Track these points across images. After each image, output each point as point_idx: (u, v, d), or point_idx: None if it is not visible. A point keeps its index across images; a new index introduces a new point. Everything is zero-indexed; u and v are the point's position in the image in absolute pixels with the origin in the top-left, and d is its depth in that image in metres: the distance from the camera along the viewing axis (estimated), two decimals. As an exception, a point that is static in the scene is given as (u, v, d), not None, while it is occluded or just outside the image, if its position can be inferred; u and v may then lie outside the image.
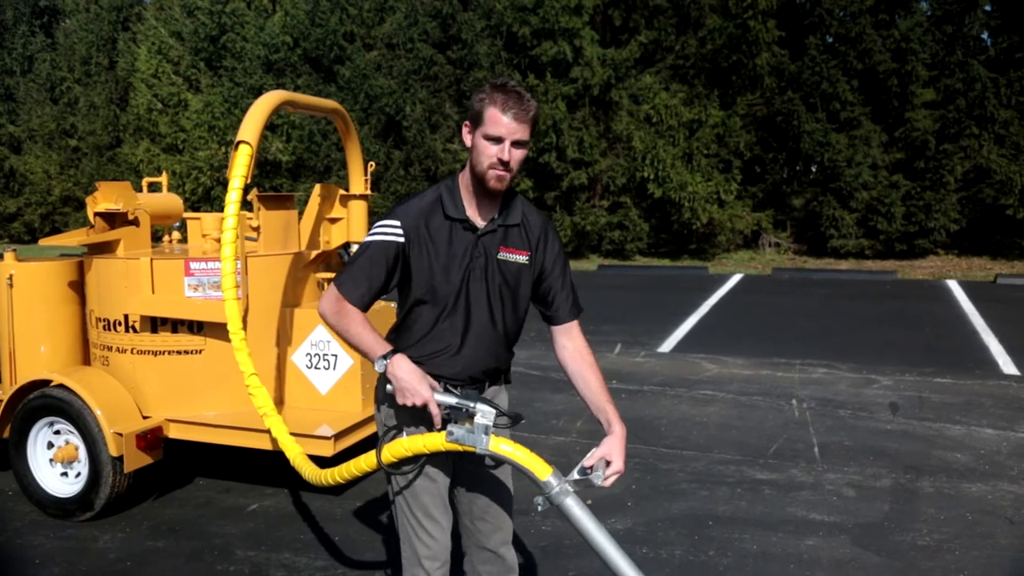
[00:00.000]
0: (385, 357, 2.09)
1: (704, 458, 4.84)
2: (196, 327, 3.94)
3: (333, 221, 4.34)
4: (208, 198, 16.78)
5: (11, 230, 21.69)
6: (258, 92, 16.60)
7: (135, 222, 4.27)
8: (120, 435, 3.76)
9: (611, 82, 13.84)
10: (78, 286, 4.41)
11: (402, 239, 2.13)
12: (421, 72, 15.74)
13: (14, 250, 4.33)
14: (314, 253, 4.23)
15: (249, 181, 2.97)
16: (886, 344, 7.74)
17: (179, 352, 3.97)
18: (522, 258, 2.22)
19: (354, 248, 4.15)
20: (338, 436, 3.74)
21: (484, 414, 2.05)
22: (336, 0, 16.29)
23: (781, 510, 4.04)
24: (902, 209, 12.60)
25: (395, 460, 2.17)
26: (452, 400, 2.08)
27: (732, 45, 13.50)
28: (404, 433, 2.21)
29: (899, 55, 12.28)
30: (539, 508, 2.03)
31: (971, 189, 12.47)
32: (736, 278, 12.03)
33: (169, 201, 4.85)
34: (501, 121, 2.04)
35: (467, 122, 2.13)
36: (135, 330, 3.97)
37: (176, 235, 5.13)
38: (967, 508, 4.02)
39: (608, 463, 2.15)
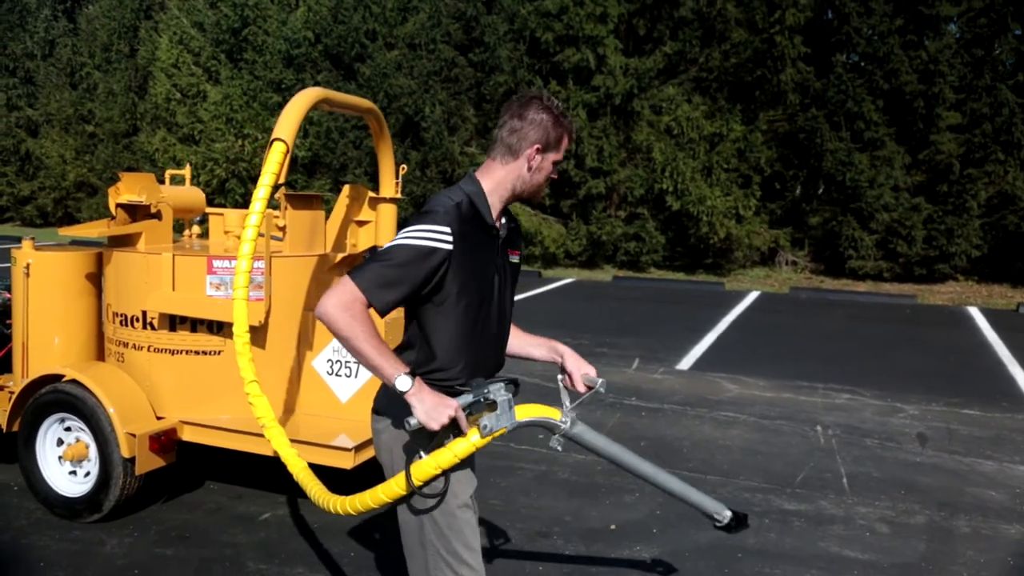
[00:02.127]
0: (410, 377, 1.97)
1: (730, 484, 4.69)
2: (216, 327, 3.82)
3: (361, 224, 4.22)
4: (223, 190, 16.69)
5: (23, 213, 21.64)
6: (278, 86, 16.54)
7: (157, 215, 4.15)
8: (133, 436, 3.64)
9: (633, 92, 13.71)
10: (95, 278, 4.29)
11: (451, 246, 2.03)
12: (442, 73, 15.64)
13: (32, 238, 4.21)
14: (340, 256, 4.10)
15: (282, 180, 2.84)
16: (909, 371, 7.58)
17: (197, 352, 3.85)
18: (517, 258, 2.31)
19: (382, 252, 4.04)
20: (358, 448, 3.60)
21: (499, 392, 2.05)
22: (360, -3, 16.19)
23: (812, 544, 3.89)
24: (923, 232, 12.43)
25: (425, 481, 2.06)
26: (471, 398, 2.03)
27: (757, 60, 13.36)
28: (422, 454, 2.09)
29: (927, 77, 12.12)
30: (559, 448, 2.24)
31: (994, 215, 12.29)
32: (753, 295, 11.87)
33: (192, 195, 4.73)
34: (565, 148, 2.18)
35: (538, 145, 2.10)
36: (153, 327, 3.84)
37: (196, 229, 5.01)
38: (1007, 551, 3.87)
39: (586, 373, 2.32)
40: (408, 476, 2.06)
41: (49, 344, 4.14)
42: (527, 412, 2.17)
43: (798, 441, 5.50)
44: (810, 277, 13.60)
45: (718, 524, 2.87)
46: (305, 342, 3.99)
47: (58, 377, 3.89)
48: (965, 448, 5.42)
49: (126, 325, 3.92)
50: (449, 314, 2.11)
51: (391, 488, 2.11)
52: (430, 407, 1.96)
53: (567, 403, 2.26)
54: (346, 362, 3.96)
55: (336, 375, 3.98)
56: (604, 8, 13.80)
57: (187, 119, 17.10)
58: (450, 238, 2.03)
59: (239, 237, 4.29)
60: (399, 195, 4.18)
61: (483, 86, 15.56)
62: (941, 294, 12.23)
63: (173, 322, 3.82)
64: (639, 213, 14.19)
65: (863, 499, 4.47)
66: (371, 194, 4.20)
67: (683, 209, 13.31)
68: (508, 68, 14.97)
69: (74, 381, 3.82)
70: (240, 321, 2.93)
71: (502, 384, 2.07)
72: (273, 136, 2.78)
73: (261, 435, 3.73)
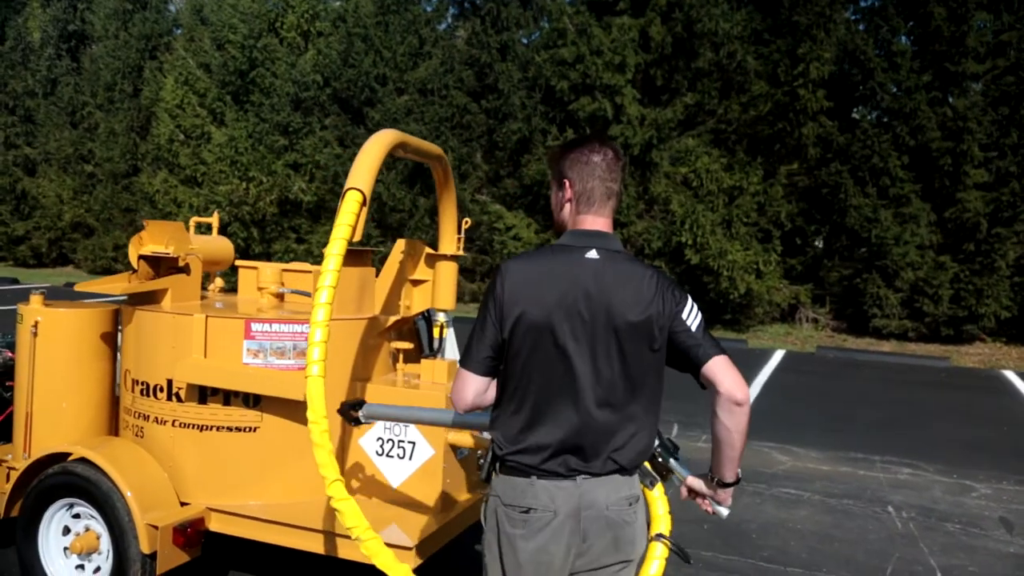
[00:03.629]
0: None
1: (814, 580, 4.18)
2: (252, 400, 3.33)
3: (416, 283, 3.76)
4: (224, 234, 16.21)
5: (17, 253, 21.12)
6: (284, 129, 16.24)
7: (185, 269, 3.69)
8: (155, 528, 3.12)
9: (652, 142, 13.44)
10: (112, 339, 3.81)
11: None
12: (454, 119, 15.37)
13: (42, 292, 3.74)
14: (392, 319, 3.64)
15: (359, 235, 2.39)
16: (965, 442, 7.11)
17: (229, 428, 3.35)
18: None
19: (441, 317, 3.56)
20: (421, 546, 3.09)
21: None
22: (370, 42, 16.00)
23: (933, 663, 3.38)
24: (950, 292, 12.07)
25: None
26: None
27: (778, 113, 13.13)
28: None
29: (954, 134, 11.89)
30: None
31: (1022, 275, 11.96)
32: (779, 355, 11.43)
33: (221, 245, 4.28)
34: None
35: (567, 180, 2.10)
36: (179, 398, 3.35)
37: (220, 282, 4.55)
38: None
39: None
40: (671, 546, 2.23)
41: (57, 413, 3.64)
42: None
43: (874, 525, 5.00)
44: (832, 335, 13.19)
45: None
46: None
47: (66, 455, 3.38)
48: (1058, 537, 4.94)
49: (147, 395, 3.43)
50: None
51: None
52: None
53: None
54: (399, 441, 3.46)
55: (387, 456, 3.48)
56: (623, 57, 13.59)
57: (190, 160, 16.74)
58: None
59: (275, 295, 3.85)
60: (461, 251, 3.74)
61: (495, 133, 15.29)
62: (970, 356, 11.83)
63: (203, 394, 3.33)
64: (657, 267, 13.77)
65: (970, 602, 3.98)
66: (428, 250, 3.75)
67: (702, 263, 12.93)
68: (522, 116, 14.71)
69: (86, 460, 3.31)
70: (317, 403, 2.44)
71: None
72: (347, 185, 2.34)
73: (301, 528, 3.24)
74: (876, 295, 12.42)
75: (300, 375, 3.28)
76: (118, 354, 3.89)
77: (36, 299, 3.68)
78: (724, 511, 2.08)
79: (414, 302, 3.76)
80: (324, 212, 16.53)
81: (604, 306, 1.94)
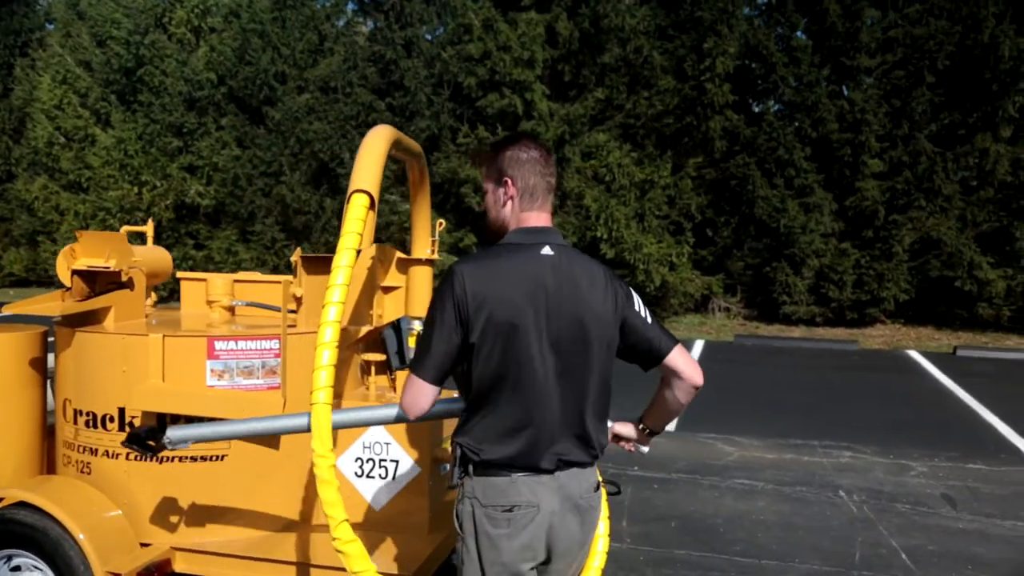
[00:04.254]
0: None
1: (791, 570, 4.19)
2: (219, 426, 3.01)
3: (387, 290, 3.51)
4: (115, 242, 15.20)
5: None
6: (178, 130, 15.35)
7: (128, 284, 3.31)
8: (117, 575, 2.77)
9: (565, 138, 13.44)
10: (41, 366, 3.39)
11: None
12: (359, 118, 14.92)
13: (-41, 317, 3.28)
14: (363, 330, 3.38)
15: (367, 243, 2.14)
16: (890, 422, 7.40)
17: (194, 459, 3.02)
18: None
19: (416, 325, 3.33)
20: (417, 574, 2.87)
21: None
22: (267, 39, 15.32)
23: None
24: (853, 277, 12.63)
25: None
26: None
27: (686, 107, 13.38)
28: None
29: (853, 126, 12.42)
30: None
31: (918, 259, 12.64)
32: (699, 345, 11.64)
33: (159, 256, 3.89)
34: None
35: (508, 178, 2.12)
36: (134, 428, 2.99)
37: (152, 296, 4.15)
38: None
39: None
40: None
41: (-19, 453, 3.20)
42: None
43: (832, 511, 5.09)
44: (744, 323, 13.58)
45: None
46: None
47: (-1, 499, 2.97)
48: (998, 510, 5.16)
49: (94, 426, 3.05)
50: None
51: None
52: None
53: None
54: (380, 460, 3.22)
55: (368, 476, 3.23)
56: (532, 53, 13.53)
57: (73, 165, 15.59)
58: None
59: (228, 309, 3.53)
60: (435, 255, 3.51)
61: (402, 131, 14.92)
62: (874, 338, 12.41)
63: (163, 422, 2.98)
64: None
65: (941, 580, 4.07)
66: (400, 255, 3.51)
67: (618, 257, 13.04)
68: (430, 113, 14.44)
69: (26, 505, 2.92)
70: (324, 436, 2.17)
71: None
72: (352, 187, 2.08)
73: (278, 561, 2.96)
74: (785, 283, 12.86)
75: (273, 395, 3.00)
76: (48, 382, 3.47)
77: (-49, 324, 3.23)
78: (646, 449, 2.36)
79: (386, 310, 3.52)
80: (224, 216, 15.75)
81: (568, 301, 1.97)
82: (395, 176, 15.50)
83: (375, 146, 2.26)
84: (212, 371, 3.01)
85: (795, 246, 12.65)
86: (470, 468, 2.01)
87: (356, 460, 3.24)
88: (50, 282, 16.87)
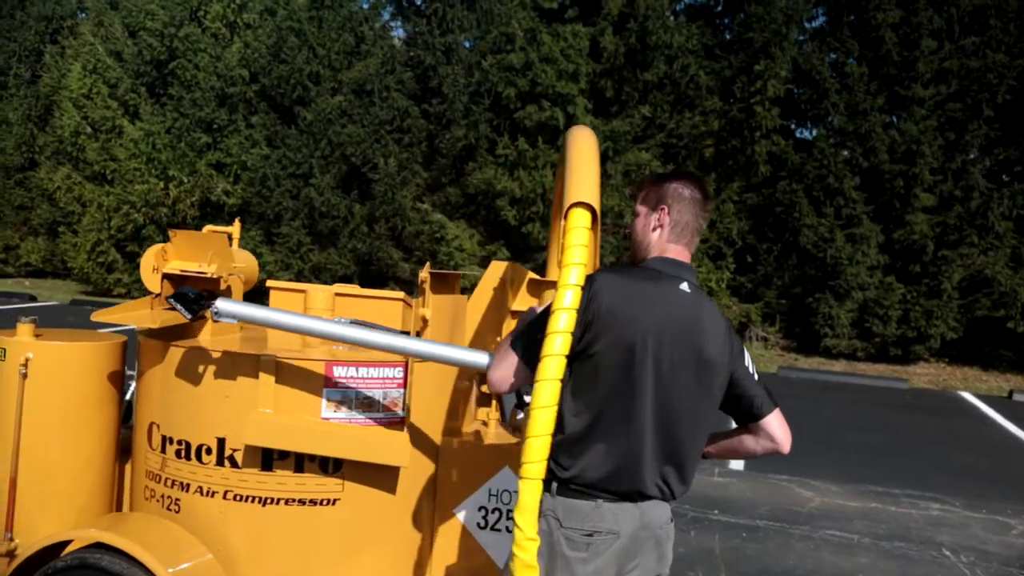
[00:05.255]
0: None
1: (924, 646, 3.77)
2: (333, 465, 2.60)
3: (516, 315, 3.11)
4: (138, 237, 14.84)
5: None
6: (208, 126, 14.99)
7: (226, 292, 2.92)
8: (216, 641, 2.36)
9: (608, 154, 13.08)
10: (119, 381, 2.99)
11: None
12: (393, 123, 14.57)
13: (33, 319, 2.88)
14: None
15: (595, 266, 1.73)
16: (967, 469, 7.00)
17: (302, 502, 2.61)
18: None
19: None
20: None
21: None
22: (304, 37, 15.00)
23: None
24: (898, 312, 12.23)
25: None
26: None
27: (732, 129, 13.03)
28: None
29: (906, 156, 12.06)
30: None
31: (966, 297, 12.24)
32: (742, 374, 11.22)
33: (249, 261, 3.50)
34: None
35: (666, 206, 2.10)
36: (235, 463, 2.59)
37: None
38: None
39: None
40: None
41: (51, 479, 2.80)
42: None
43: (942, 573, 4.67)
44: (782, 354, 13.16)
45: None
46: (449, 483, 2.82)
47: (66, 543, 2.56)
48: (1122, 579, 4.74)
49: (186, 458, 2.64)
50: None
51: None
52: None
53: None
54: (508, 512, 2.81)
55: (492, 529, 2.83)
56: (577, 66, 13.19)
57: (98, 156, 15.24)
58: None
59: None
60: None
61: (437, 139, 14.60)
62: (920, 376, 12.00)
63: (269, 458, 2.58)
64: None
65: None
66: (532, 275, 3.11)
67: (657, 279, 12.63)
68: (467, 122, 14.07)
69: (103, 546, 2.51)
70: (532, 515, 1.75)
71: None
72: (570, 200, 1.69)
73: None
74: (828, 314, 12.45)
75: (399, 434, 2.60)
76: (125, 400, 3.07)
77: (25, 329, 2.83)
78: None
79: (514, 337, 3.11)
80: (249, 217, 15.37)
81: (690, 341, 1.96)
82: (428, 185, 15.17)
83: (590, 153, 1.87)
84: (329, 401, 2.61)
85: (840, 278, 12.25)
86: (553, 486, 1.97)
87: (480, 510, 2.84)
88: (67, 273, 16.50)
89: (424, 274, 2.80)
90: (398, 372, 2.68)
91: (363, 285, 3.50)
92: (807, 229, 12.39)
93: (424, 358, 2.49)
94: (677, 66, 13.43)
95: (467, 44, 15.36)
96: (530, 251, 13.99)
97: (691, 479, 2.07)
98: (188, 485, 2.64)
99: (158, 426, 2.73)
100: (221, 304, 2.47)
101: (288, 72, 14.85)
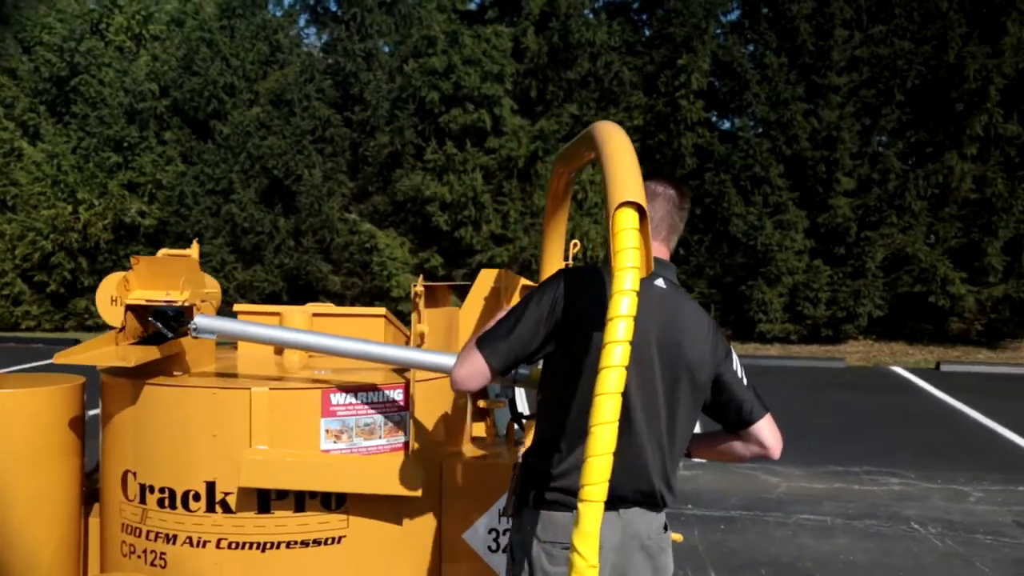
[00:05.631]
0: None
1: (919, 624, 3.81)
2: (336, 501, 2.41)
3: (510, 324, 2.96)
4: (46, 266, 13.99)
5: None
6: (118, 145, 14.29)
7: (197, 323, 2.68)
8: None
9: (539, 155, 13.04)
10: (80, 427, 2.72)
11: None
12: (315, 133, 14.18)
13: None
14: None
15: (649, 269, 1.60)
16: (915, 443, 7.21)
17: (305, 543, 2.40)
18: None
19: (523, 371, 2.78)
20: None
21: None
22: (216, 48, 14.46)
23: None
24: (827, 294, 12.59)
25: None
26: None
27: (658, 123, 13.19)
28: None
29: (827, 143, 12.43)
30: None
31: (888, 275, 12.70)
32: (685, 365, 11.36)
33: (214, 286, 3.24)
34: None
35: None
36: (227, 508, 2.37)
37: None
38: None
39: None
40: None
41: (11, 547, 2.51)
42: None
43: (919, 548, 4.76)
44: (720, 342, 13.37)
45: None
46: (455, 503, 2.66)
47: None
48: (1081, 538, 4.93)
49: (170, 507, 2.40)
50: None
51: None
52: None
53: None
54: (521, 532, 2.67)
55: (504, 551, 2.67)
56: (501, 67, 13.11)
57: (-4, 182, 14.32)
58: None
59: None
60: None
61: (361, 147, 14.28)
62: (850, 354, 12.39)
63: (266, 498, 2.37)
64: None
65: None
66: (525, 282, 2.97)
67: (594, 276, 12.67)
68: (391, 128, 13.80)
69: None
70: (593, 542, 1.61)
71: None
72: (617, 200, 1.56)
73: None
74: (761, 300, 12.72)
75: (409, 462, 2.43)
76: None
77: (-28, 378, 2.54)
78: None
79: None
80: (167, 237, 14.71)
81: (673, 341, 1.89)
82: (353, 195, 14.80)
83: (627, 148, 1.74)
84: (328, 432, 2.41)
85: (771, 264, 12.54)
86: (530, 498, 1.91)
87: (490, 532, 2.68)
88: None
89: (418, 287, 2.63)
90: (398, 394, 2.51)
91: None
92: (736, 218, 12.63)
93: (398, 364, 2.48)
94: (600, 63, 13.51)
95: (387, 49, 15.09)
96: (463, 256, 13.83)
97: (675, 483, 1.98)
98: (175, 536, 2.40)
99: (135, 474, 2.48)
100: (200, 320, 2.41)
101: (201, 85, 14.29)
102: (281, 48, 14.67)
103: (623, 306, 1.59)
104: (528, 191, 13.62)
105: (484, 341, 1.90)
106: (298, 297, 13.40)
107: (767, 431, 2.01)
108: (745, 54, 12.98)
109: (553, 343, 1.87)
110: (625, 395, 1.73)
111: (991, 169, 12.32)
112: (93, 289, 14.73)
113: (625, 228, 1.62)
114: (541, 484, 1.89)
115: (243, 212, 14.03)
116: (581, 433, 1.75)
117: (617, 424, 1.62)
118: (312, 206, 13.68)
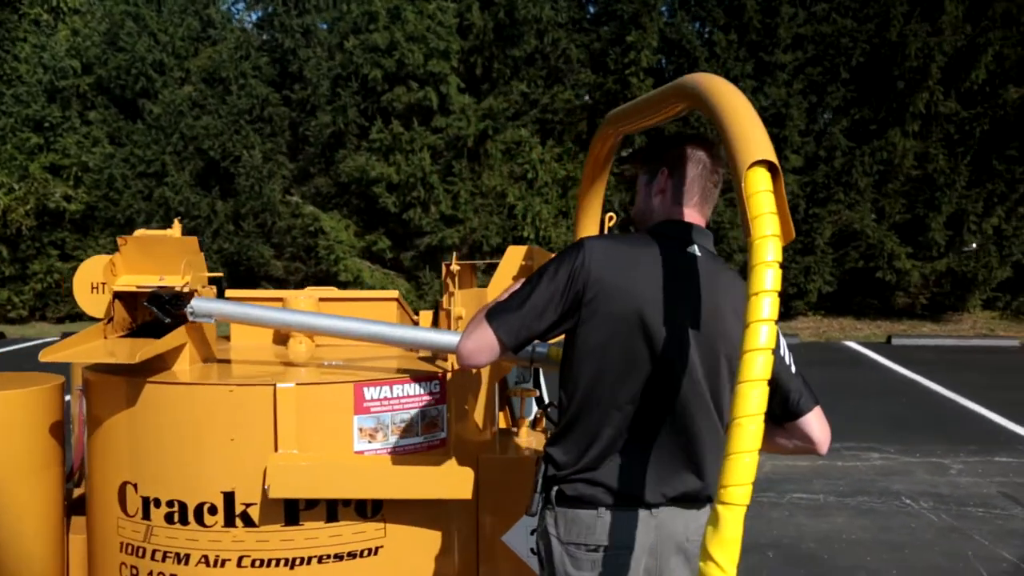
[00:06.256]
0: None
1: (937, 601, 3.76)
2: (371, 509, 2.14)
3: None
4: (-38, 255, 13.07)
5: None
6: (39, 125, 13.38)
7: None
8: None
9: (488, 133, 12.74)
10: (60, 433, 2.37)
11: None
12: (253, 112, 13.55)
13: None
14: (513, 361, 2.58)
15: (790, 237, 1.39)
16: (885, 417, 7.27)
17: (339, 556, 2.13)
18: None
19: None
20: None
21: None
22: (142, 23, 13.65)
23: None
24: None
25: None
26: None
27: (608, 102, 13.02)
28: None
29: (775, 120, 12.48)
30: None
31: (837, 251, 12.89)
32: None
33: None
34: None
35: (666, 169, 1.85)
36: (250, 522, 2.07)
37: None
38: None
39: None
40: None
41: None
42: None
43: (916, 523, 4.74)
44: (673, 320, 13.40)
45: None
46: (492, 503, 2.41)
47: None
48: (1066, 505, 5.00)
49: (181, 522, 2.09)
50: None
51: None
52: None
53: None
54: (567, 532, 2.44)
55: (549, 555, 2.44)
56: (447, 43, 12.74)
57: (-95, 167, 13.26)
58: None
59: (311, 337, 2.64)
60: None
61: (301, 127, 13.72)
62: (802, 330, 12.55)
63: (294, 508, 2.08)
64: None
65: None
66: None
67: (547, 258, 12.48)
68: (333, 107, 13.27)
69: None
70: (735, 550, 1.39)
71: None
72: (749, 159, 1.34)
73: None
74: (713, 278, 12.74)
75: (454, 462, 2.18)
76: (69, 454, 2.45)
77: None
78: None
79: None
80: (95, 223, 13.91)
81: (711, 313, 1.69)
82: (294, 176, 14.21)
83: (747, 102, 1.51)
84: (361, 431, 2.14)
85: (723, 242, 12.56)
86: (553, 494, 1.73)
87: (532, 533, 2.45)
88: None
89: (455, 267, 2.37)
90: (435, 386, 2.25)
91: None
92: (688, 197, 12.59)
93: (402, 344, 2.35)
94: (548, 40, 13.25)
95: (324, 25, 14.51)
96: (411, 238, 13.47)
97: (713, 475, 1.72)
98: (187, 556, 2.10)
99: (135, 486, 2.15)
100: (197, 303, 2.23)
101: (128, 61, 13.49)
102: (213, 23, 13.95)
103: (767, 280, 1.38)
104: (477, 171, 13.31)
105: (494, 313, 1.72)
106: (239, 282, 12.84)
107: (816, 425, 1.86)
108: (693, 31, 12.90)
109: (572, 320, 1.69)
110: (638, 378, 1.64)
111: (933, 145, 12.58)
112: (15, 279, 13.93)
113: (759, 191, 1.40)
114: (563, 478, 1.73)
115: (178, 195, 13.36)
116: (606, 420, 1.67)
117: (763, 417, 1.40)
118: (252, 188, 13.10)
